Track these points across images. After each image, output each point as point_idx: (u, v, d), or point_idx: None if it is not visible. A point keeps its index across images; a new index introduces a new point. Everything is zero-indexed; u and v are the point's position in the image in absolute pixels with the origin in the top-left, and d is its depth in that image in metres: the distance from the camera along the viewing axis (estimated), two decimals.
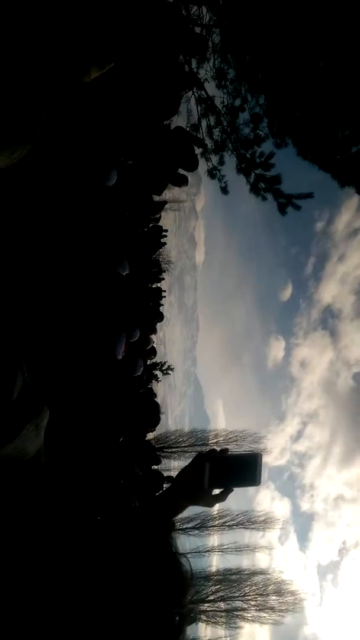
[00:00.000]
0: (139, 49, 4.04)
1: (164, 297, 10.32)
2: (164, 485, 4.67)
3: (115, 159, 3.63)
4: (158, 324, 8.20)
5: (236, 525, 19.80)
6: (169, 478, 5.57)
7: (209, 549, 20.47)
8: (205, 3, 6.50)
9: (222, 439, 20.41)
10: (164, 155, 4.96)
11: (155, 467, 5.70)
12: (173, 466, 19.56)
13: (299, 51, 5.70)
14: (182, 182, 6.01)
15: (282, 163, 7.58)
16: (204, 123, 7.72)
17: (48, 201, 2.23)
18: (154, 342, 7.21)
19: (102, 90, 3.15)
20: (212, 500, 1.27)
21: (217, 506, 1.34)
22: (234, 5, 6.14)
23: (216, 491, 1.26)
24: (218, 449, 1.29)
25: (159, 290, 9.37)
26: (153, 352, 7.85)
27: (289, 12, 5.54)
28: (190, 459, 1.29)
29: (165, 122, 4.97)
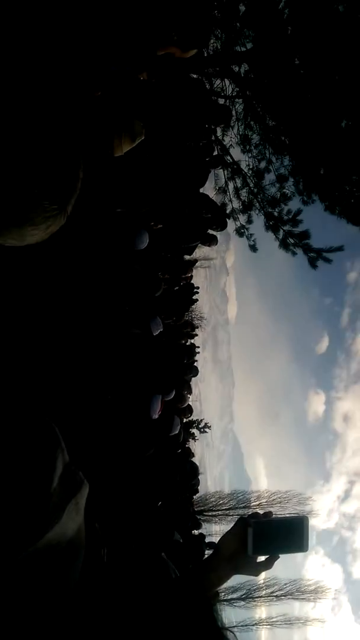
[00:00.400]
0: (167, 122, 4.31)
1: (198, 353, 10.30)
2: (206, 551, 4.46)
3: (146, 224, 3.79)
4: (193, 379, 8.16)
5: (284, 596, 18.48)
6: (211, 544, 5.32)
7: (256, 622, 19.08)
8: (228, 76, 6.93)
9: (264, 500, 19.51)
10: (194, 218, 5.14)
11: (196, 531, 5.46)
12: (214, 530, 18.72)
13: (321, 113, 5.94)
14: (211, 241, 6.18)
15: (310, 218, 7.70)
16: (230, 185, 8.00)
17: (81, 268, 2.32)
18: (189, 399, 7.13)
19: (133, 161, 3.34)
20: (257, 569, 1.19)
21: (263, 575, 1.26)
22: (256, 76, 6.52)
23: (261, 558, 1.20)
24: (261, 512, 1.23)
25: (193, 346, 9.38)
26: (189, 410, 7.75)
27: (308, 79, 5.83)
28: (232, 523, 1.24)
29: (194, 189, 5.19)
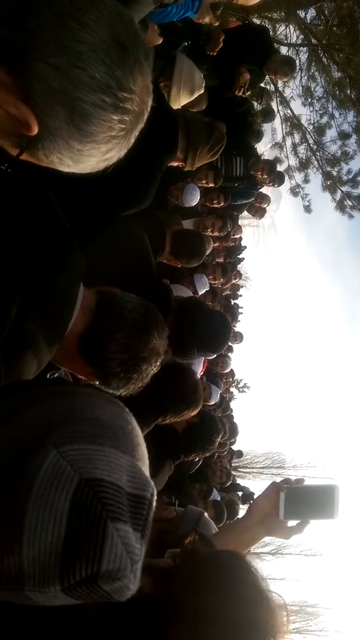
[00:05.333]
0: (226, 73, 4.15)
1: (241, 313, 10.19)
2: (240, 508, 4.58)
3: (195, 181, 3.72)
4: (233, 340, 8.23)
5: (313, 555, 18.99)
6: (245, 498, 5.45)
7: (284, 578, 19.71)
8: (293, 22, 6.48)
9: (300, 463, 19.74)
10: (246, 175, 5.00)
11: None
12: (248, 486, 19.17)
13: None
14: (263, 200, 5.99)
15: None
16: (288, 141, 7.65)
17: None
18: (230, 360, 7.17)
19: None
20: (288, 532, 1.22)
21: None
22: (323, 23, 6.08)
23: (292, 523, 1.22)
24: (293, 478, 1.25)
25: (237, 307, 9.28)
26: (231, 374, 7.85)
27: None
28: (265, 481, 1.27)
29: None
